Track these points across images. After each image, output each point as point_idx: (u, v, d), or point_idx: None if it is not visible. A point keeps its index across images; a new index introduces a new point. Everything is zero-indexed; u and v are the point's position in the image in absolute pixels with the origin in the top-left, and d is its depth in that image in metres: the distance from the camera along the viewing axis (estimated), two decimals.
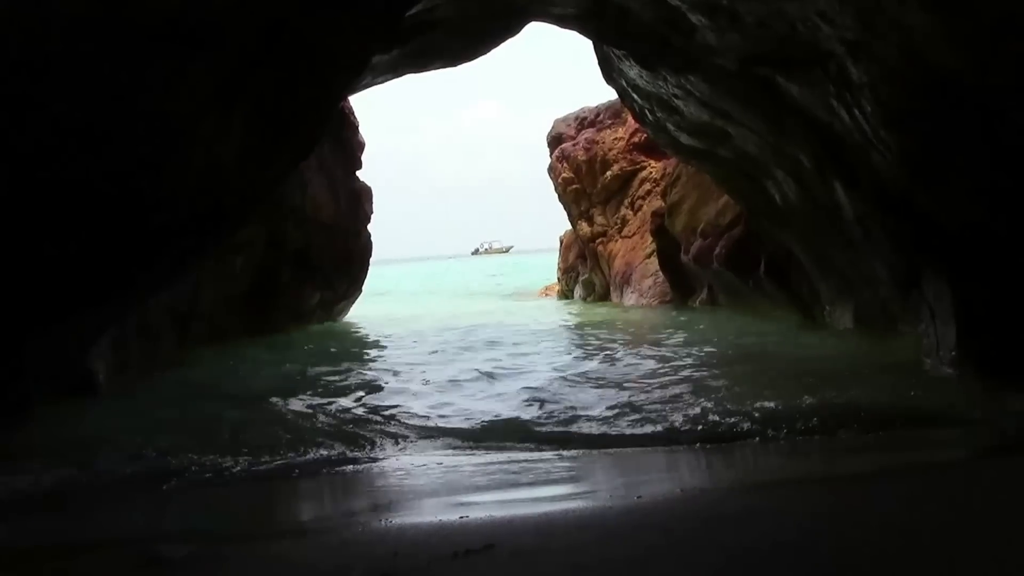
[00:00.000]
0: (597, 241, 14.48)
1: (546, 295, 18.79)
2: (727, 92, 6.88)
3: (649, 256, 12.80)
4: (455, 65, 7.89)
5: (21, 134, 3.61)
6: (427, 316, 13.36)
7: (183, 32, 3.58)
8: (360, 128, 12.00)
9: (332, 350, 8.70)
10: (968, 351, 5.91)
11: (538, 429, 4.96)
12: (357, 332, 11.25)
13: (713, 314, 10.02)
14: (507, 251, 77.06)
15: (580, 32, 7.52)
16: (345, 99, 5.08)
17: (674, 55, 6.83)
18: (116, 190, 3.95)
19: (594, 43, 8.13)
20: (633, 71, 7.60)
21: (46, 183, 3.78)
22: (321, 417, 5.46)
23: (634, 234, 13.69)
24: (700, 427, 4.77)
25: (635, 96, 8.25)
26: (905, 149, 5.37)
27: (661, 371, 6.69)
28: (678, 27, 6.45)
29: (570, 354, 8.18)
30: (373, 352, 8.93)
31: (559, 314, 12.94)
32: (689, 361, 7.04)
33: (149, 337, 7.53)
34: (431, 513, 3.35)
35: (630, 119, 14.23)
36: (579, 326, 10.92)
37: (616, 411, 5.26)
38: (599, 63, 8.37)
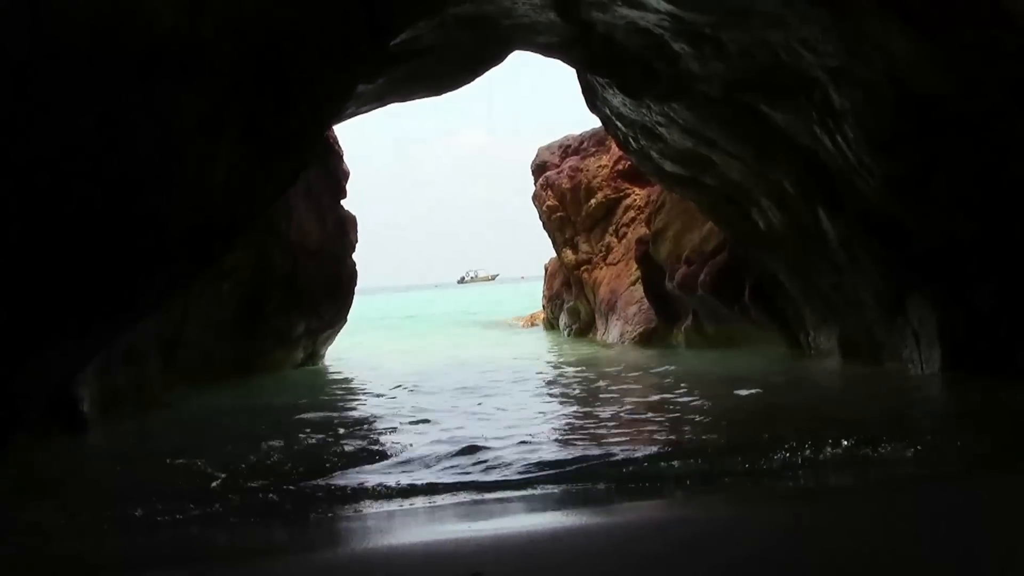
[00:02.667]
0: (582, 269, 14.50)
1: (532, 324, 18.80)
2: (711, 119, 6.96)
3: (634, 283, 12.81)
4: (439, 94, 7.95)
5: (2, 159, 3.63)
6: (413, 351, 13.11)
7: (172, 58, 3.62)
8: (344, 157, 12.04)
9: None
10: (952, 373, 6.00)
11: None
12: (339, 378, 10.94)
13: (699, 355, 9.86)
14: (493, 279, 77.18)
15: (564, 61, 7.59)
16: (331, 127, 5.12)
17: (658, 83, 6.92)
18: (101, 214, 3.96)
19: (578, 72, 8.21)
20: (617, 99, 7.67)
21: (30, 207, 3.80)
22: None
23: (619, 261, 13.72)
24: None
25: (619, 124, 8.33)
26: (889, 173, 5.46)
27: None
28: (662, 55, 6.54)
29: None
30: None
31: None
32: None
33: (134, 363, 7.49)
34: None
35: (614, 147, 14.27)
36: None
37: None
38: (583, 91, 8.45)
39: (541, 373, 9.89)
